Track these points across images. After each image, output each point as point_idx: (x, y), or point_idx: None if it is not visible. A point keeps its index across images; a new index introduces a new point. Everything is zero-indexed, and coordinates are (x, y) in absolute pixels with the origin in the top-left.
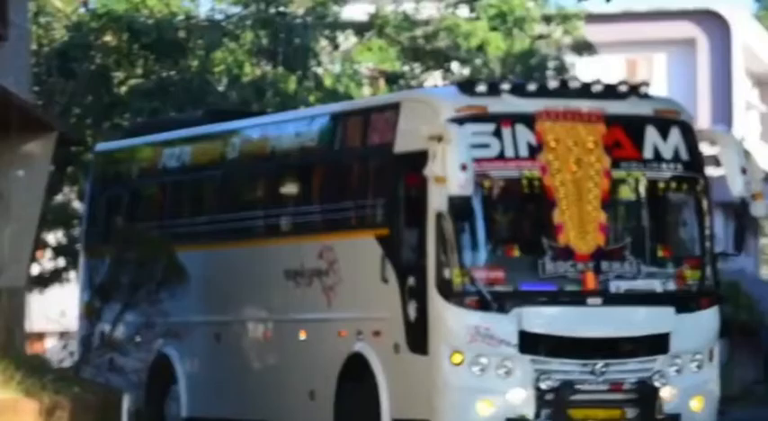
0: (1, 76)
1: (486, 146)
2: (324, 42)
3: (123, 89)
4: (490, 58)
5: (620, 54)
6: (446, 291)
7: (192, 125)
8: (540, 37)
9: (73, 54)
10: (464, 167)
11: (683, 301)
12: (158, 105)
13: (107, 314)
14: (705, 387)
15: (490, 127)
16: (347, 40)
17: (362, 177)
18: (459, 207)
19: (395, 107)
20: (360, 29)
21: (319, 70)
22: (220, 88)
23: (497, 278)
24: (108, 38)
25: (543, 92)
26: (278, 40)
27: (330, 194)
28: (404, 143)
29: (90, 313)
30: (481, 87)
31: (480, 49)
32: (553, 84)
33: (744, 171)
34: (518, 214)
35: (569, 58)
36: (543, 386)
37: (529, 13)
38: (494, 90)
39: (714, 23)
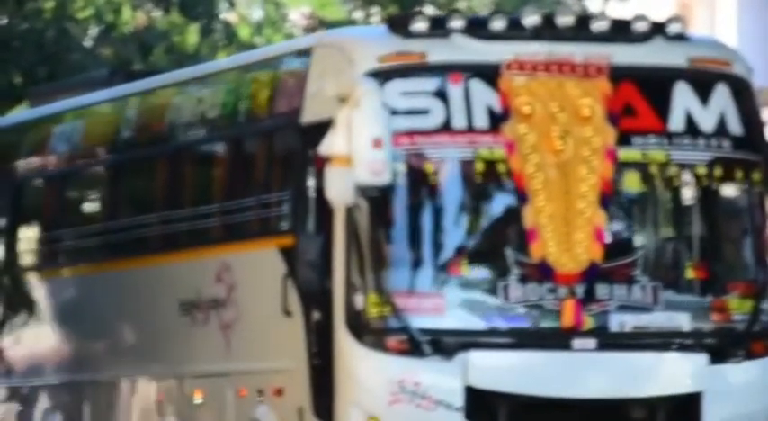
0: None
1: (422, 112)
2: None
3: None
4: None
5: None
6: (358, 327)
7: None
8: None
9: None
10: (377, 143)
11: (724, 346)
12: None
13: None
14: None
15: (430, 83)
16: None
17: (267, 161)
18: (374, 202)
19: (306, 55)
20: None
21: (231, 17)
22: (87, 43)
23: (434, 308)
24: None
25: (516, 31)
26: None
27: (231, 188)
28: (313, 109)
29: None
30: (420, 25)
31: None
32: (533, 19)
33: None
34: (470, 214)
35: (595, 1)
36: None
37: None
38: (439, 29)
39: None
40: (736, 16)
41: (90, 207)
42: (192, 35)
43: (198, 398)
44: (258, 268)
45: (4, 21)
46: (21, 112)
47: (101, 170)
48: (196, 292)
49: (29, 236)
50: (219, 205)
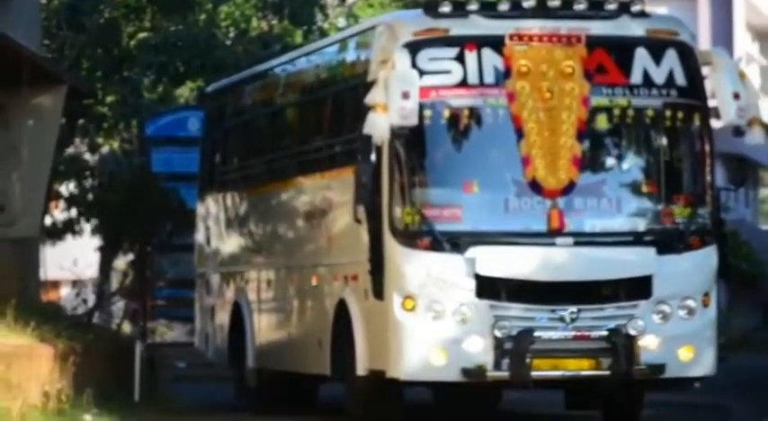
0: (11, 29)
1: (445, 72)
2: None
3: (132, 43)
4: None
5: None
6: (397, 231)
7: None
8: None
9: (82, 7)
10: (406, 95)
11: (668, 241)
12: (165, 60)
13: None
14: (697, 335)
15: (452, 51)
16: None
17: (352, 109)
18: (407, 139)
19: (372, 32)
20: None
21: (325, 25)
22: (227, 43)
23: (452, 216)
24: None
25: (517, 11)
26: None
27: (332, 129)
28: (374, 71)
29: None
30: (445, 8)
31: None
32: (530, 2)
33: (736, 96)
34: (480, 147)
35: None
36: (498, 333)
37: None
38: (460, 10)
39: None
40: None
41: (258, 145)
42: (298, 37)
43: (314, 282)
44: (344, 188)
45: (173, 28)
46: (228, 78)
47: (265, 119)
48: (312, 206)
49: (221, 168)
50: (325, 141)
